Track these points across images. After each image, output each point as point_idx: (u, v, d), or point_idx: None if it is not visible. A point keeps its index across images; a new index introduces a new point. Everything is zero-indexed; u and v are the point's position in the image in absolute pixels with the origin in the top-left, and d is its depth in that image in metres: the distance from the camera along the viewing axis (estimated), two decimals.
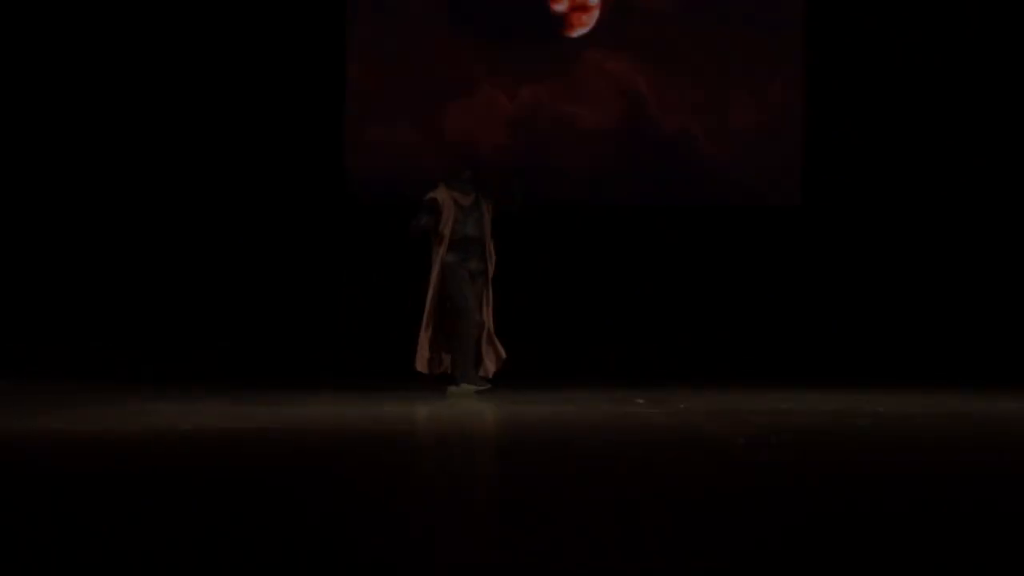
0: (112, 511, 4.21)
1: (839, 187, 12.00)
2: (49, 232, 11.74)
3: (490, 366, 9.15)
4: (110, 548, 3.52)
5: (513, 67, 12.08)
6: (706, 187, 12.10)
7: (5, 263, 11.66)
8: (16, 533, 3.76)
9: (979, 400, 8.70)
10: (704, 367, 11.23)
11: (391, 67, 12.07)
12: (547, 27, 12.12)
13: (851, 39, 12.04)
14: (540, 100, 12.10)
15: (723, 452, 5.88)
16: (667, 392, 9.07)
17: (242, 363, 11.20)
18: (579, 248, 11.98)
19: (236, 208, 11.81)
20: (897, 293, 11.92)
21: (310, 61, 11.94)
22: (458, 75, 12.09)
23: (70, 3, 11.79)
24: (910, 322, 11.79)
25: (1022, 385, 9.65)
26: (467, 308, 9.00)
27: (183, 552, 3.49)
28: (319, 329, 11.77)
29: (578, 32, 12.13)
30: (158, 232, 11.77)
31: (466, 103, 12.11)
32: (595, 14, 12.11)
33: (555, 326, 11.69)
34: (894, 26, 11.97)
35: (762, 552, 3.54)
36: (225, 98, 11.86)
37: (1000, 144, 11.98)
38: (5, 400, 8.35)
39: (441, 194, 9.13)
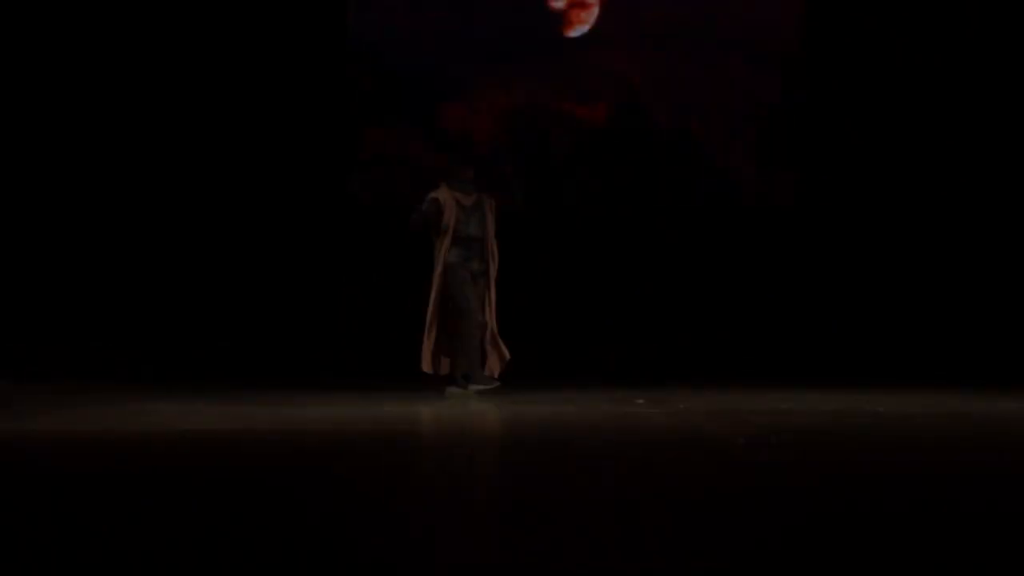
0: (112, 511, 4.20)
1: (839, 187, 12.01)
2: (49, 232, 11.75)
3: (494, 367, 9.11)
4: (110, 548, 3.51)
5: (512, 66, 12.09)
6: (706, 187, 12.11)
7: (5, 263, 11.66)
8: (16, 533, 3.76)
9: (979, 400, 8.69)
10: (704, 367, 11.23)
11: (391, 67, 12.07)
12: (546, 25, 12.13)
13: (850, 39, 12.05)
14: (539, 99, 12.11)
15: (723, 452, 5.87)
16: (667, 392, 9.06)
17: (242, 363, 11.20)
18: (579, 248, 11.98)
19: (236, 208, 11.82)
20: (897, 293, 11.93)
21: (310, 61, 11.95)
22: (458, 75, 12.10)
23: (72, 4, 11.80)
24: (910, 322, 11.80)
25: (1022, 385, 9.64)
26: (469, 309, 8.96)
27: (183, 552, 3.48)
28: (319, 329, 11.77)
29: (577, 30, 12.14)
30: (158, 232, 11.79)
31: (466, 103, 12.12)
32: (594, 12, 12.11)
33: (555, 326, 11.69)
34: (893, 26, 11.98)
35: (762, 552, 3.54)
36: (225, 98, 11.87)
37: (1000, 144, 11.99)
38: (5, 400, 8.34)
39: (443, 194, 9.08)
